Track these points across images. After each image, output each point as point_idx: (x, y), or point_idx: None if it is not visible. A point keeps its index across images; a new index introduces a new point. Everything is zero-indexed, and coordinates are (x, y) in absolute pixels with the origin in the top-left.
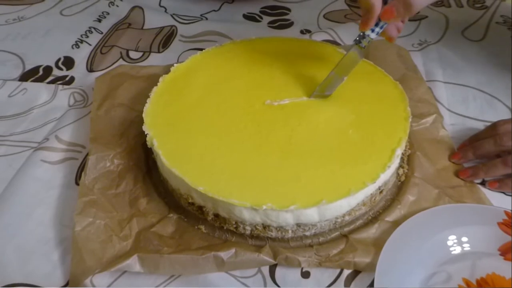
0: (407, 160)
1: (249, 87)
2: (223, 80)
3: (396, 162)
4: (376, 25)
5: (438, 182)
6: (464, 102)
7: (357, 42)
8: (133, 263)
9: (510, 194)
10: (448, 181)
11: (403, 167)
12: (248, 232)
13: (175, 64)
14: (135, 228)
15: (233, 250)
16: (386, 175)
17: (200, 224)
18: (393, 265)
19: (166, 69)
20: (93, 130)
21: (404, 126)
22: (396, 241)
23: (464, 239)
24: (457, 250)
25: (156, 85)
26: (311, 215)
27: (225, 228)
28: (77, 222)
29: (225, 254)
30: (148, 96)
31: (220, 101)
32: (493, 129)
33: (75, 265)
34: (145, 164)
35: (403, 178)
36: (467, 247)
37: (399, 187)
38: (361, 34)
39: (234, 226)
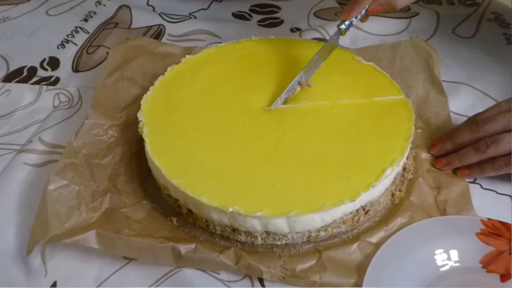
0: (407, 184)
1: (254, 87)
2: (229, 77)
3: (384, 182)
4: None
5: (434, 213)
6: (456, 99)
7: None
8: (91, 237)
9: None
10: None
11: (400, 191)
12: (218, 232)
13: (187, 56)
14: (106, 204)
15: (193, 246)
16: (371, 195)
17: (173, 216)
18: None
19: (185, 51)
20: (97, 97)
21: (403, 146)
22: (380, 262)
23: (445, 255)
24: (445, 267)
25: (166, 70)
26: (280, 225)
27: (197, 224)
28: (52, 181)
29: (184, 248)
30: (156, 79)
31: (220, 98)
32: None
33: (38, 224)
34: (136, 144)
35: (397, 201)
36: (451, 263)
37: (391, 210)
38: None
39: (205, 224)
